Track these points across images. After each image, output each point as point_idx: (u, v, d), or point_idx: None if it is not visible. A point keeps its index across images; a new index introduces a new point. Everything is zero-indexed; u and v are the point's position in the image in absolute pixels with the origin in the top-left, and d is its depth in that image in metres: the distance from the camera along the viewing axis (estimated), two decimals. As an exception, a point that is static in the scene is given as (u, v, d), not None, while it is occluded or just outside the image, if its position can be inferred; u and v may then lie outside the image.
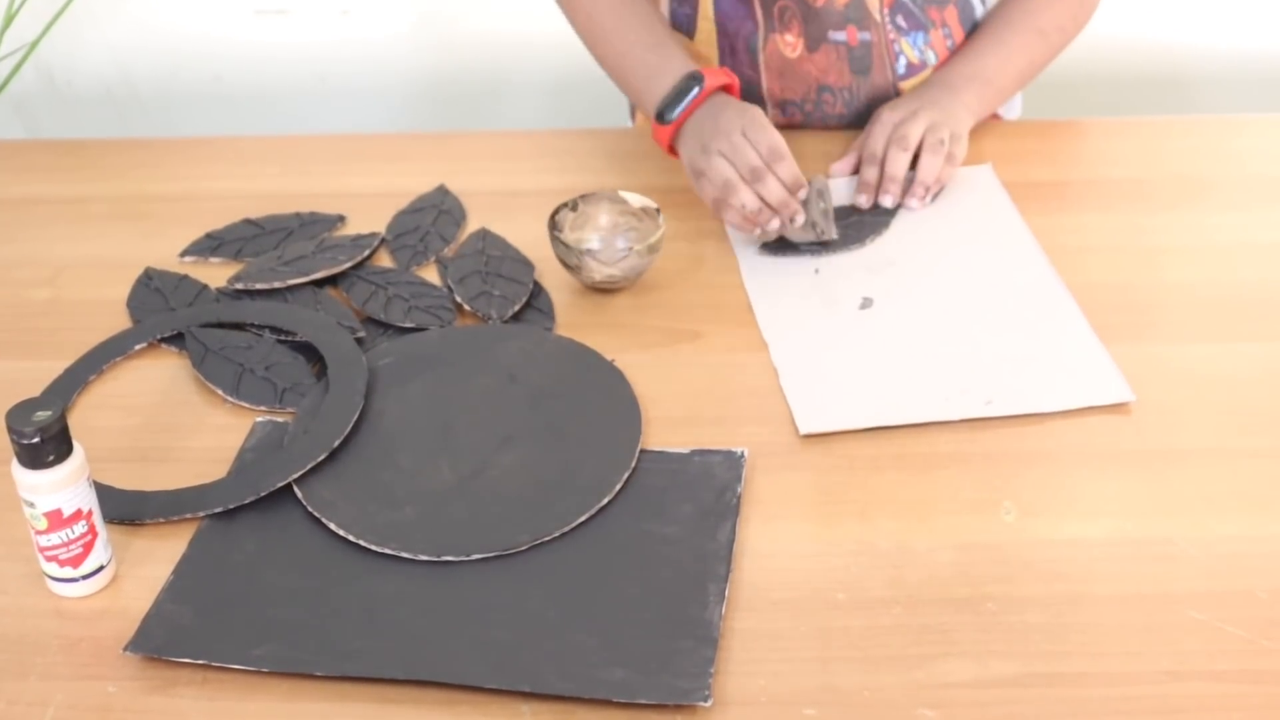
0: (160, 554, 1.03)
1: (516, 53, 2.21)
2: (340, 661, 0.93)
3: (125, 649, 0.94)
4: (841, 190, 1.40)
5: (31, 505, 0.96)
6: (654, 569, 0.99)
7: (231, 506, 1.05)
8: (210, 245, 1.37)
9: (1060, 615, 0.95)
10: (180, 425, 1.16)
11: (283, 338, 1.22)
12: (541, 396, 1.15)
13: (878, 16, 1.44)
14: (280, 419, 1.15)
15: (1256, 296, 1.26)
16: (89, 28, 2.18)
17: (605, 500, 1.05)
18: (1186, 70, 2.18)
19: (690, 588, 0.98)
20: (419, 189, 1.44)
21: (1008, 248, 1.32)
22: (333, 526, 1.03)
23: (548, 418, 1.13)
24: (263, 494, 1.06)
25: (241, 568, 1.01)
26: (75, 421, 1.14)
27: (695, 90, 1.34)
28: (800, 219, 1.28)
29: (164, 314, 1.26)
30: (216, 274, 1.33)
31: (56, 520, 0.96)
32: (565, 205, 1.30)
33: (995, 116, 1.54)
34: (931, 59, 1.47)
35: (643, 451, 1.10)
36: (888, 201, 1.36)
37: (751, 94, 1.48)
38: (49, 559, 0.98)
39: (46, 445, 0.94)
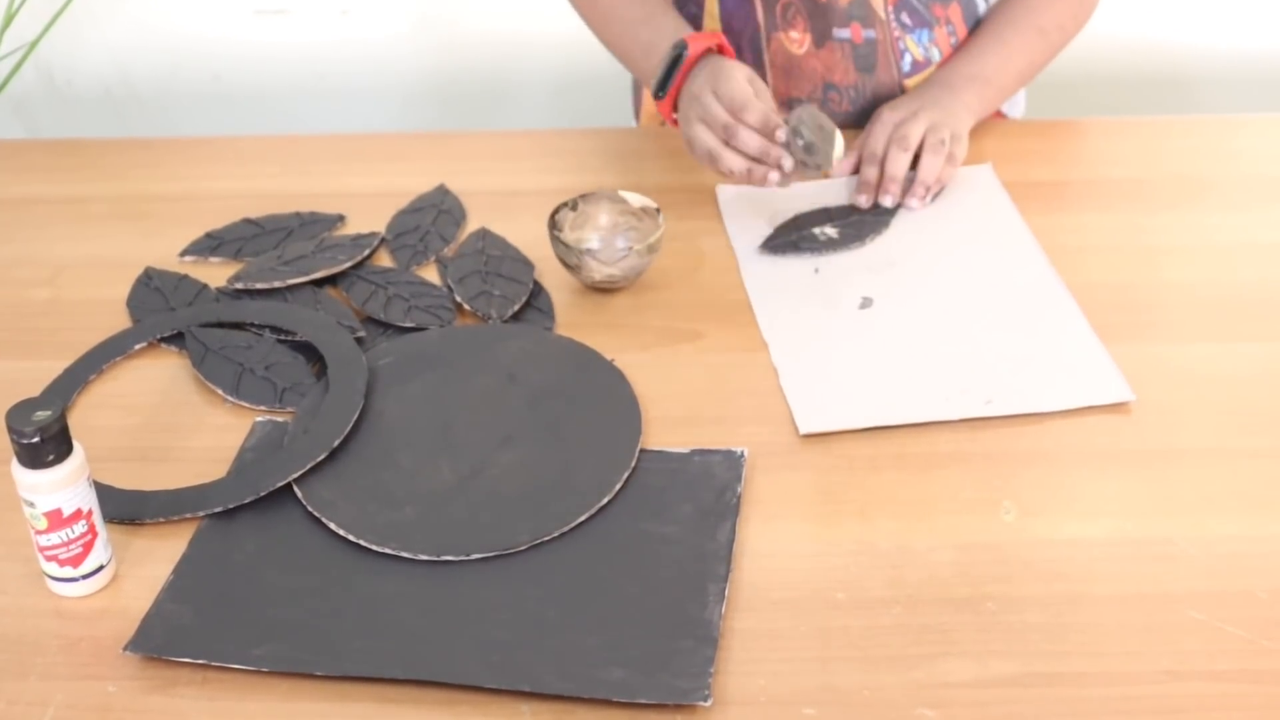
0: (160, 554, 1.03)
1: (517, 53, 2.21)
2: (340, 661, 0.93)
3: (125, 649, 0.94)
4: (842, 190, 1.40)
5: (31, 505, 0.96)
6: (654, 569, 0.99)
7: (231, 506, 1.05)
8: (210, 245, 1.37)
9: (1060, 615, 0.95)
10: (180, 425, 1.16)
11: (283, 337, 1.22)
12: (541, 396, 1.15)
13: (882, 13, 1.44)
14: (280, 419, 1.15)
15: (1256, 296, 1.26)
16: (88, 28, 2.18)
17: (605, 500, 1.05)
18: (1187, 70, 2.18)
19: (690, 587, 0.98)
20: (419, 189, 1.44)
21: (1008, 247, 1.32)
22: (333, 526, 1.03)
23: (547, 417, 1.13)
24: (263, 494, 1.06)
25: (241, 568, 1.01)
26: (75, 421, 1.14)
27: (681, 59, 1.34)
28: (788, 164, 1.28)
29: (164, 314, 1.26)
30: (216, 274, 1.33)
31: (56, 520, 0.96)
32: (565, 205, 1.30)
33: (999, 114, 1.54)
34: (936, 56, 1.47)
35: (642, 451, 1.10)
36: (888, 201, 1.36)
37: None
38: (49, 559, 0.98)
39: (46, 445, 0.94)
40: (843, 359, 1.19)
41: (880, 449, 1.10)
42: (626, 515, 1.04)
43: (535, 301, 1.27)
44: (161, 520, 1.05)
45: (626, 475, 1.07)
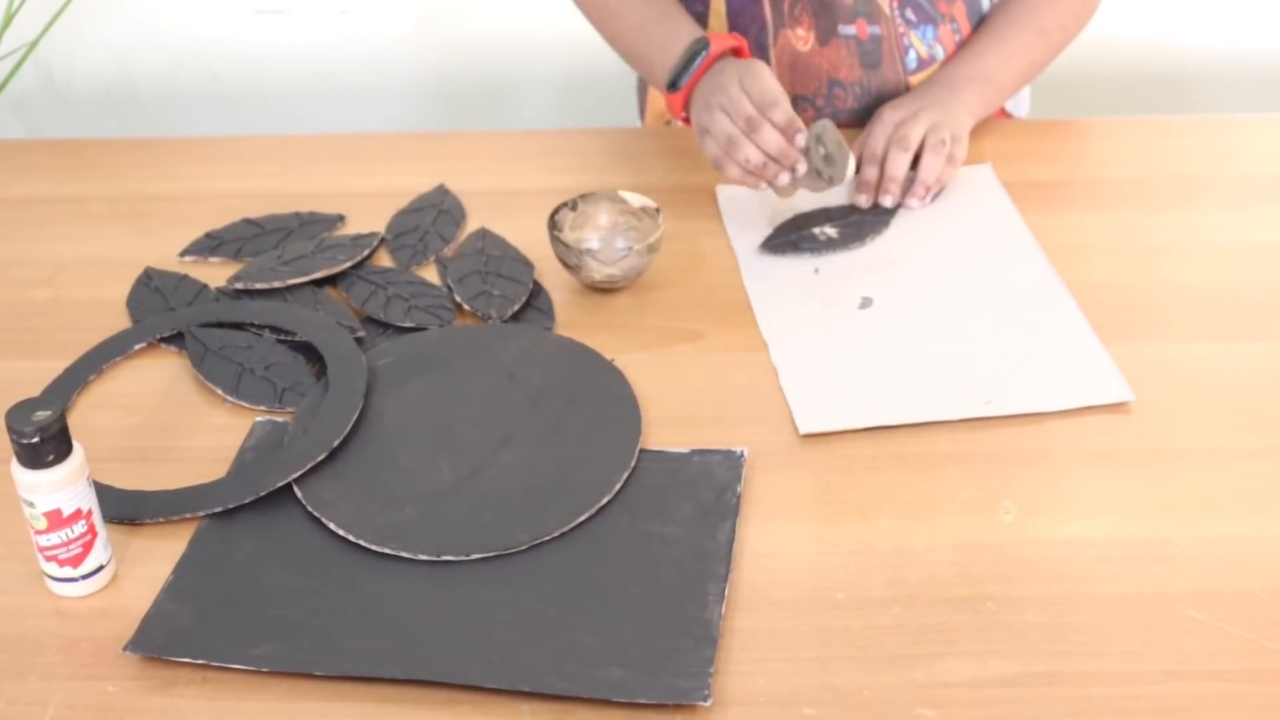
0: (160, 554, 1.03)
1: (518, 53, 2.21)
2: (340, 661, 0.93)
3: (125, 649, 0.94)
4: (841, 190, 1.40)
5: (31, 505, 0.96)
6: (654, 569, 0.99)
7: (231, 506, 1.05)
8: (210, 245, 1.37)
9: (1060, 615, 0.95)
10: (180, 425, 1.16)
11: (282, 337, 1.22)
12: (541, 396, 1.15)
13: (887, 10, 1.44)
14: (280, 419, 1.15)
15: (1256, 296, 1.26)
16: (89, 27, 2.18)
17: (605, 500, 1.05)
18: (1188, 70, 2.18)
19: (690, 587, 0.98)
20: (419, 189, 1.44)
21: (1007, 247, 1.32)
22: (332, 526, 1.03)
23: (547, 417, 1.13)
24: (262, 494, 1.06)
25: (241, 568, 1.01)
26: (75, 421, 1.14)
27: (702, 55, 1.34)
28: (802, 168, 1.28)
29: (164, 314, 1.26)
30: (216, 274, 1.33)
31: (56, 520, 0.96)
32: (565, 205, 1.30)
33: (1003, 113, 1.54)
34: (940, 53, 1.47)
35: (642, 451, 1.10)
36: (887, 201, 1.36)
37: None
38: (49, 559, 0.98)
39: (46, 445, 0.94)
40: (842, 359, 1.19)
41: (880, 449, 1.10)
42: (626, 515, 1.04)
43: (535, 301, 1.27)
44: (161, 520, 1.05)
45: (626, 475, 1.07)
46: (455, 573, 1.00)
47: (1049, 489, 1.06)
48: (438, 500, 1.06)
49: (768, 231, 1.35)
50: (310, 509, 1.05)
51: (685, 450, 1.09)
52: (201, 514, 1.05)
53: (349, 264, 1.30)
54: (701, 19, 1.49)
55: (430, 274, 1.32)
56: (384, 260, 1.34)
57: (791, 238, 1.33)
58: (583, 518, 1.03)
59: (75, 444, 0.96)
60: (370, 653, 0.94)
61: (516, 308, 1.25)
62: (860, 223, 1.35)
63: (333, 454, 1.09)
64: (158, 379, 1.21)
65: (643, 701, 0.90)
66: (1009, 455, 1.09)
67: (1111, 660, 0.92)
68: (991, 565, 0.99)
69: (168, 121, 2.26)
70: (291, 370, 1.19)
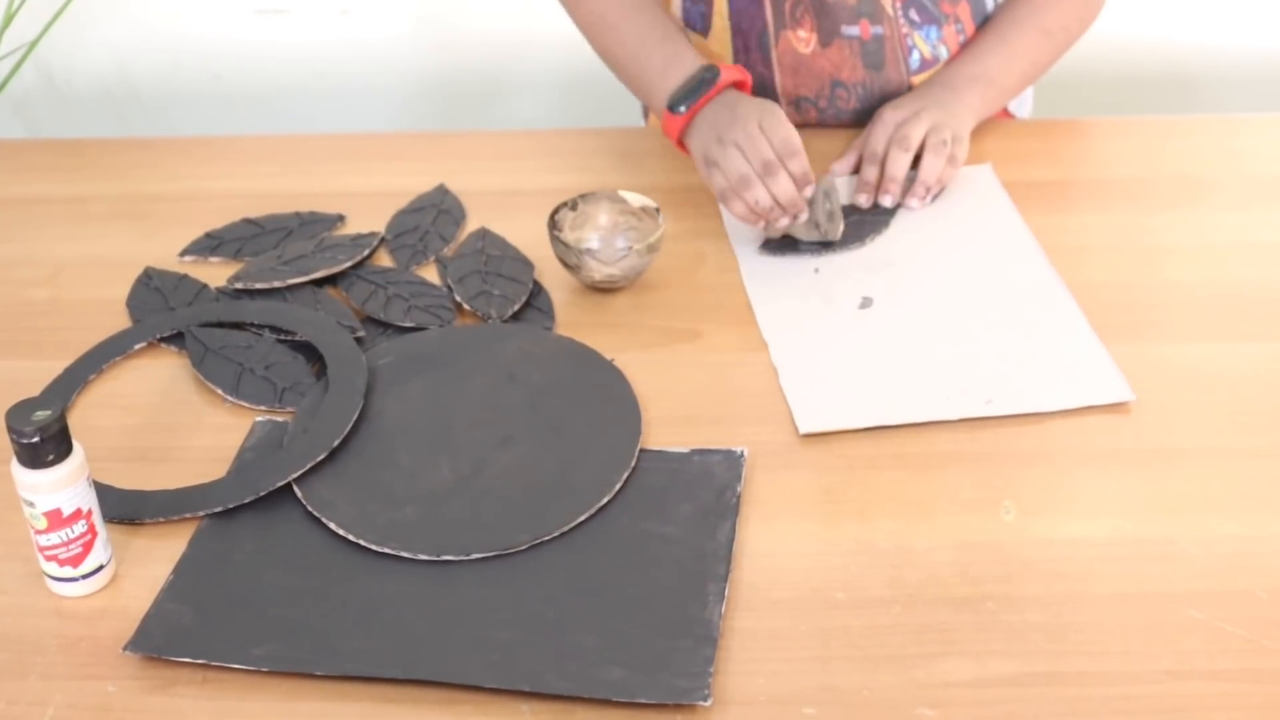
0: (160, 554, 1.03)
1: (518, 53, 2.21)
2: (340, 661, 0.93)
3: (125, 648, 0.94)
4: (842, 189, 1.40)
5: (31, 505, 0.96)
6: (653, 569, 0.99)
7: (231, 506, 1.05)
8: (210, 245, 1.37)
9: (1060, 615, 0.95)
10: (180, 425, 1.16)
11: (282, 337, 1.22)
12: (541, 396, 1.15)
13: (890, 11, 1.44)
14: (280, 418, 1.15)
15: (1256, 296, 1.26)
16: (89, 27, 2.18)
17: (605, 500, 1.05)
18: (1193, 70, 2.18)
19: (690, 587, 0.98)
20: (419, 188, 1.44)
21: (1007, 247, 1.32)
22: (332, 526, 1.03)
23: (547, 417, 1.13)
24: (262, 493, 1.06)
25: (241, 567, 1.01)
26: (75, 421, 1.14)
27: (710, 82, 1.34)
28: (804, 217, 1.29)
29: (164, 313, 1.26)
30: (216, 273, 1.33)
31: (56, 520, 0.96)
32: (565, 205, 1.30)
33: (1006, 113, 1.54)
34: (944, 54, 1.47)
35: (642, 451, 1.10)
36: (887, 201, 1.36)
37: (765, 90, 1.48)
38: (49, 558, 0.98)
39: (46, 445, 0.94)
40: (842, 359, 1.19)
41: (880, 449, 1.10)
42: (626, 515, 1.04)
43: (535, 301, 1.27)
44: (161, 520, 1.05)
45: (626, 475, 1.07)
46: (455, 573, 1.00)
47: (1049, 489, 1.06)
48: (438, 500, 1.06)
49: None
50: (310, 509, 1.05)
51: (685, 450, 1.09)
52: (201, 514, 1.05)
53: (349, 264, 1.30)
54: (704, 19, 1.48)
55: (430, 274, 1.32)
56: (384, 260, 1.34)
57: (791, 237, 1.33)
58: (583, 518, 1.03)
59: (75, 444, 0.96)
60: (370, 653, 0.93)
61: (516, 308, 1.25)
62: (860, 223, 1.35)
63: (333, 454, 1.09)
64: (158, 379, 1.21)
65: (643, 701, 0.90)
66: (1009, 455, 1.09)
67: (1111, 660, 0.92)
68: (991, 565, 0.99)
69: (168, 121, 2.26)
70: (291, 370, 1.19)
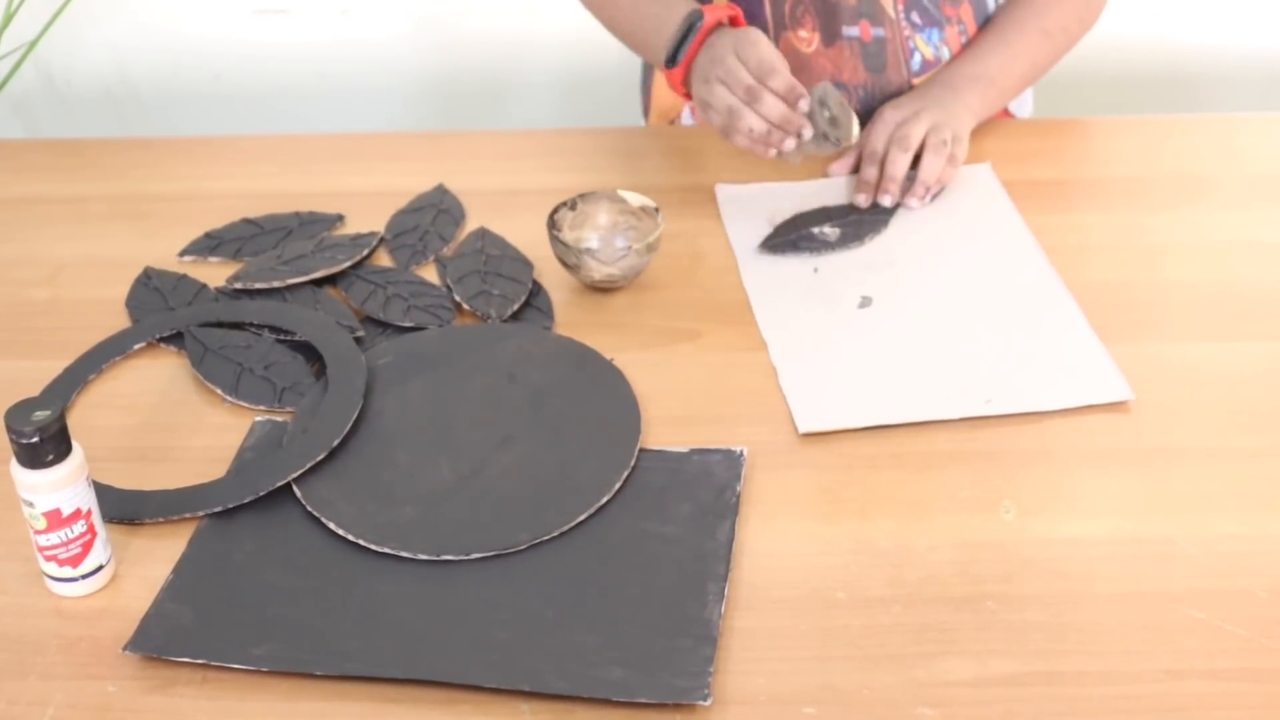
0: (160, 553, 1.03)
1: (518, 53, 2.21)
2: (340, 661, 0.93)
3: (125, 648, 0.94)
4: (841, 190, 1.40)
5: (30, 505, 0.96)
6: (653, 568, 0.99)
7: (231, 506, 1.05)
8: (209, 245, 1.37)
9: (1060, 614, 0.95)
10: (179, 425, 1.16)
11: (282, 337, 1.22)
12: (541, 396, 1.15)
13: (892, 12, 1.43)
14: (279, 418, 1.15)
15: (1256, 296, 1.26)
16: (88, 27, 2.18)
17: (604, 499, 1.05)
18: (1192, 69, 2.18)
19: (689, 587, 0.97)
20: (418, 188, 1.44)
21: (1007, 247, 1.32)
22: (332, 526, 1.03)
23: (547, 417, 1.13)
24: (262, 493, 1.06)
25: (241, 567, 1.01)
26: (74, 421, 1.14)
27: (696, 27, 1.34)
28: (808, 133, 1.28)
29: (163, 313, 1.26)
30: (215, 273, 1.33)
31: (56, 520, 0.96)
32: (564, 204, 1.30)
33: (1006, 113, 1.54)
34: (946, 55, 1.47)
35: (642, 450, 1.10)
36: (887, 201, 1.36)
37: None
38: (48, 558, 0.98)
39: (45, 445, 0.94)
40: (842, 358, 1.19)
41: (880, 448, 1.10)
42: (626, 515, 1.04)
43: (534, 301, 1.27)
44: (161, 520, 1.05)
45: (626, 475, 1.07)
46: (455, 572, 1.00)
47: (1049, 488, 1.06)
48: (438, 500, 1.06)
49: (767, 231, 1.34)
50: (310, 509, 1.05)
51: (685, 450, 1.09)
52: (201, 514, 1.05)
53: (348, 264, 1.30)
54: (705, 19, 1.48)
55: (430, 274, 1.32)
56: (383, 260, 1.34)
57: (791, 237, 1.33)
58: (582, 517, 1.03)
59: (75, 444, 0.96)
60: (370, 653, 0.93)
61: (516, 307, 1.25)
62: (860, 222, 1.35)
63: (332, 454, 1.09)
64: (157, 379, 1.21)
65: (643, 701, 0.90)
66: (1009, 455, 1.09)
67: (1111, 659, 0.92)
68: (991, 564, 0.99)
69: (168, 121, 2.26)
70: (291, 370, 1.19)
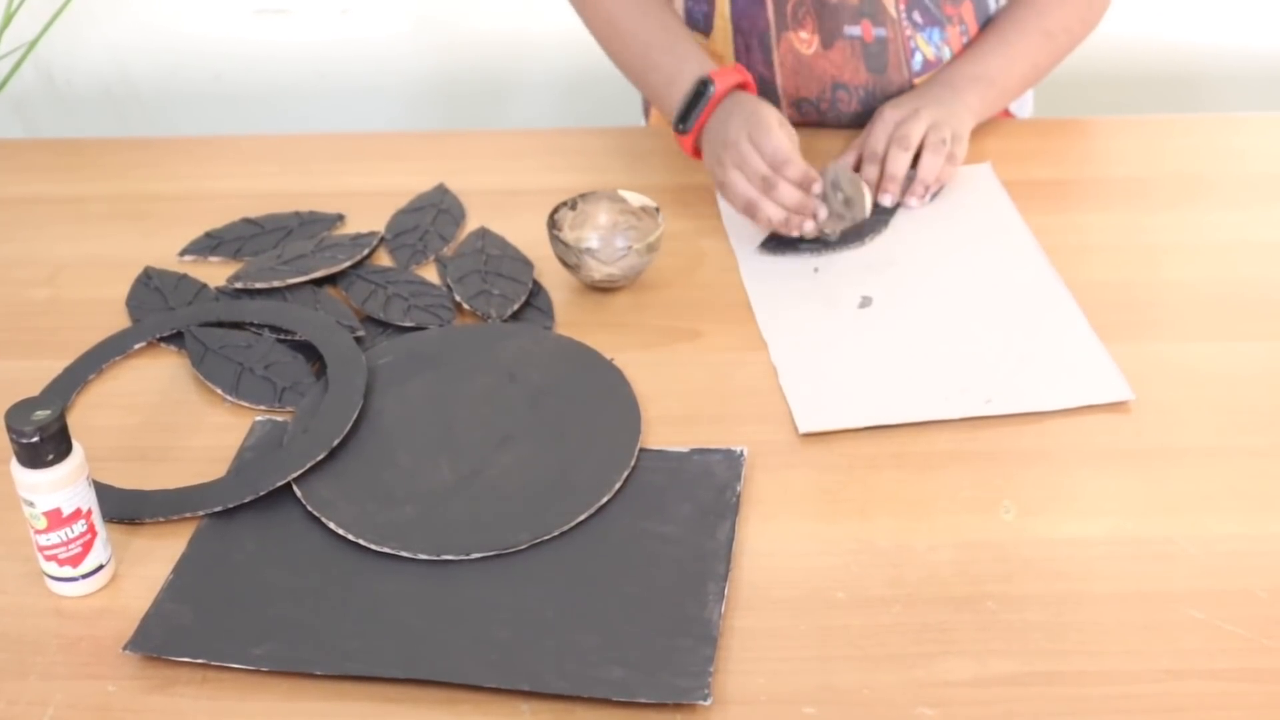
0: (160, 553, 1.03)
1: (518, 53, 2.21)
2: (340, 661, 0.93)
3: (125, 648, 0.94)
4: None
5: (31, 504, 0.96)
6: (653, 568, 0.99)
7: (231, 506, 1.05)
8: (209, 244, 1.37)
9: (1060, 614, 0.95)
10: (180, 424, 1.16)
11: (282, 337, 1.22)
12: (541, 395, 1.15)
13: (893, 12, 1.43)
14: (280, 418, 1.15)
15: (1256, 295, 1.25)
16: (88, 27, 2.18)
17: (605, 499, 1.05)
18: (1192, 69, 2.18)
19: (689, 586, 0.97)
20: (418, 188, 1.44)
21: (1007, 246, 1.32)
22: (332, 526, 1.03)
23: (547, 417, 1.13)
24: (262, 493, 1.06)
25: (241, 567, 1.01)
26: (74, 421, 1.14)
27: (706, 96, 1.35)
28: (824, 214, 1.29)
29: (163, 313, 1.26)
30: (216, 273, 1.33)
31: (56, 519, 0.96)
32: (564, 204, 1.30)
33: (1007, 113, 1.54)
34: (947, 55, 1.47)
35: (642, 450, 1.10)
36: (887, 200, 1.36)
37: (767, 92, 1.48)
38: (48, 558, 0.98)
39: (46, 444, 0.94)
40: (842, 358, 1.19)
41: (880, 448, 1.10)
42: (626, 514, 1.04)
43: (535, 301, 1.27)
44: (161, 520, 1.05)
45: (626, 474, 1.07)
46: (455, 572, 1.00)
47: (1049, 488, 1.06)
48: (438, 500, 1.06)
49: (767, 231, 1.34)
50: (310, 508, 1.05)
51: (685, 449, 1.09)
52: (201, 513, 1.05)
53: (349, 263, 1.30)
54: (706, 19, 1.48)
55: (430, 273, 1.32)
56: (384, 260, 1.34)
57: (791, 237, 1.33)
58: (582, 517, 1.03)
59: (75, 443, 0.96)
60: (370, 652, 0.93)
61: (516, 307, 1.25)
62: (860, 222, 1.35)
63: (332, 453, 1.09)
64: (157, 378, 1.21)
65: (643, 701, 0.90)
66: (1009, 455, 1.09)
67: (1111, 659, 0.92)
68: (992, 564, 0.99)
69: (168, 121, 2.26)
70: (291, 370, 1.19)
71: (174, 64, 2.22)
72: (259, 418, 1.15)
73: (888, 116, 1.40)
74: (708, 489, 1.06)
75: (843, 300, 1.26)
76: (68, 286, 1.33)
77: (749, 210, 1.30)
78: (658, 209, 1.30)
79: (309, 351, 1.21)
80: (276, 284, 1.27)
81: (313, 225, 1.39)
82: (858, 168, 1.41)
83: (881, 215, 1.36)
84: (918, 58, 1.46)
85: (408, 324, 1.24)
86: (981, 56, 1.44)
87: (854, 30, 1.44)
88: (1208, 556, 0.99)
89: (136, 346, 1.23)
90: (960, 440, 1.10)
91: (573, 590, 0.98)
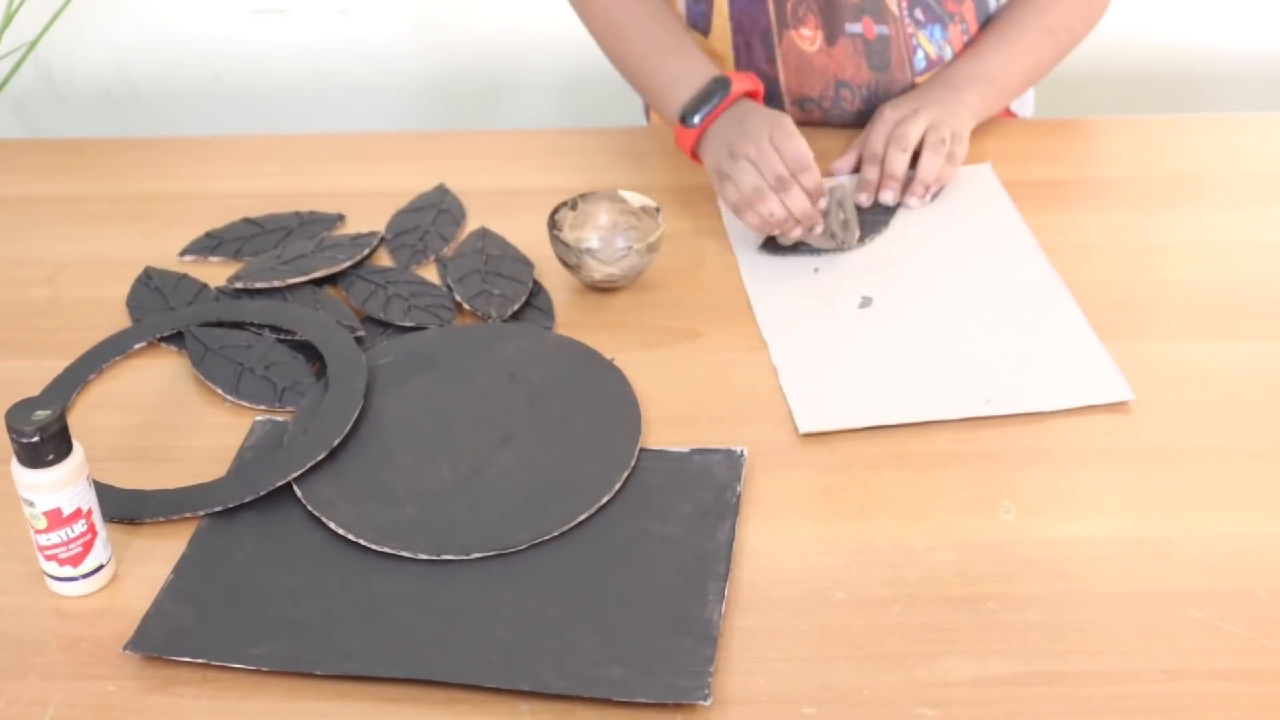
0: (160, 553, 1.03)
1: (518, 53, 2.21)
2: (340, 661, 0.93)
3: (125, 648, 0.94)
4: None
5: (31, 504, 0.96)
6: (653, 568, 0.99)
7: (231, 506, 1.05)
8: (210, 244, 1.37)
9: (1060, 614, 0.95)
10: (180, 424, 1.16)
11: (282, 337, 1.22)
12: (541, 395, 1.15)
13: (895, 10, 1.43)
14: (280, 418, 1.15)
15: (1256, 295, 1.26)
16: (89, 27, 2.18)
17: (605, 499, 1.05)
18: (1192, 69, 2.18)
19: (690, 587, 0.98)
20: (418, 188, 1.44)
21: (1007, 246, 1.32)
22: (332, 525, 1.03)
23: (547, 417, 1.13)
24: (262, 493, 1.06)
25: (241, 567, 1.01)
26: (75, 421, 1.14)
27: (721, 94, 1.34)
28: (819, 228, 1.29)
29: (163, 313, 1.26)
30: (216, 273, 1.33)
31: (56, 519, 0.96)
32: (565, 204, 1.30)
33: (1008, 112, 1.54)
34: (949, 54, 1.47)
35: (642, 450, 1.10)
36: (887, 198, 1.36)
37: (770, 90, 1.48)
38: (48, 558, 0.98)
39: (46, 444, 0.94)
40: (842, 358, 1.19)
41: (880, 448, 1.10)
42: (626, 515, 1.04)
43: (535, 301, 1.27)
44: (161, 520, 1.05)
45: (626, 475, 1.07)
46: (455, 572, 1.00)
47: (1049, 488, 1.06)
48: (438, 500, 1.06)
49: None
50: (310, 508, 1.05)
51: (685, 450, 1.09)
52: (201, 513, 1.05)
53: (349, 263, 1.30)
54: (705, 18, 1.48)
55: (430, 273, 1.32)
56: (384, 260, 1.34)
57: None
58: (583, 517, 1.03)
59: (75, 443, 0.96)
60: (370, 652, 0.94)
61: (516, 307, 1.25)
62: (860, 222, 1.35)
63: (333, 453, 1.09)
64: (158, 378, 1.21)
65: (643, 701, 0.90)
66: (1009, 455, 1.09)
67: (1111, 659, 0.92)
68: (991, 564, 0.99)
69: (168, 121, 2.26)
70: (291, 370, 1.19)
71: (174, 64, 2.22)
72: (259, 418, 1.15)
73: (887, 117, 1.40)
74: (708, 489, 1.06)
75: (843, 300, 1.26)
76: (68, 286, 1.33)
77: (751, 199, 1.28)
78: (658, 209, 1.30)
79: (309, 351, 1.21)
80: (276, 284, 1.27)
81: (313, 225, 1.39)
82: (858, 168, 1.41)
83: (881, 215, 1.36)
84: (920, 56, 1.46)
85: (408, 324, 1.24)
86: (981, 55, 1.44)
87: (855, 27, 1.44)
88: (1208, 556, 0.99)
89: (137, 346, 1.23)
90: (960, 440, 1.10)
91: (573, 590, 0.98)
